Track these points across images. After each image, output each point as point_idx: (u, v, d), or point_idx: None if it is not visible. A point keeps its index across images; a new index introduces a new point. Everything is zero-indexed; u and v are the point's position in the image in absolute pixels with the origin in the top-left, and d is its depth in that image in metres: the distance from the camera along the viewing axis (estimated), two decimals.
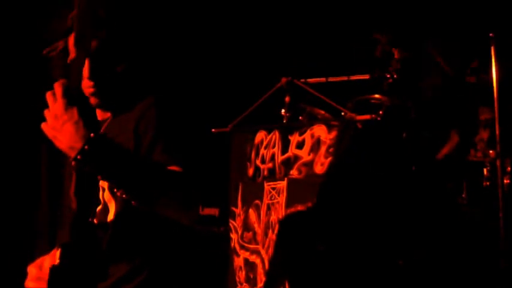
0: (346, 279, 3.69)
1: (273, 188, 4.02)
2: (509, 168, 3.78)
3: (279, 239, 3.91)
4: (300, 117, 4.14)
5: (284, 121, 4.15)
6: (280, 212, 3.95)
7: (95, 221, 2.39)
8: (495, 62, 3.59)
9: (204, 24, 4.68)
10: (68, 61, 2.46)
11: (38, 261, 2.48)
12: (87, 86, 2.42)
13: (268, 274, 3.93)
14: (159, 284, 2.37)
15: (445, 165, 3.99)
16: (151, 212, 2.29)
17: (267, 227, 4.00)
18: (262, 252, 3.98)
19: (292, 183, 3.94)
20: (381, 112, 3.86)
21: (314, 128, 3.93)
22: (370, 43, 4.16)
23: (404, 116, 3.93)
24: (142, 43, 2.52)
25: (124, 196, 2.27)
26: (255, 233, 4.05)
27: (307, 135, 3.95)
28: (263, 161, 4.11)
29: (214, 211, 4.10)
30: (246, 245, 4.09)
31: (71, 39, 2.43)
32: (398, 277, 3.69)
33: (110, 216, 2.40)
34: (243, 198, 4.15)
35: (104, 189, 2.43)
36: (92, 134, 2.17)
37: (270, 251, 3.94)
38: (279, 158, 4.04)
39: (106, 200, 2.42)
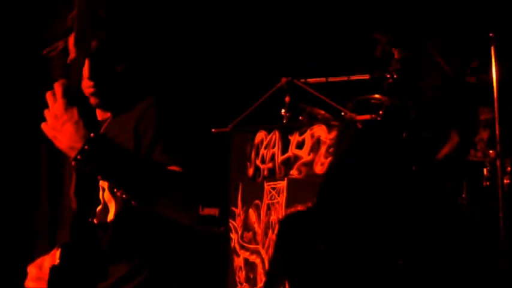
0: (346, 279, 3.69)
1: (273, 188, 4.02)
2: (509, 168, 3.78)
3: (279, 239, 3.91)
4: (300, 117, 4.14)
5: (284, 121, 4.15)
6: (280, 212, 3.95)
7: (95, 221, 2.39)
8: (495, 62, 3.59)
9: (204, 25, 4.68)
10: (68, 61, 2.46)
11: (38, 261, 2.48)
12: (87, 86, 2.42)
13: (268, 274, 3.93)
14: (159, 284, 2.37)
15: (445, 165, 3.99)
16: (151, 212, 2.29)
17: (267, 227, 4.00)
18: (262, 252, 3.98)
19: (292, 183, 3.94)
20: (380, 112, 3.86)
21: (314, 128, 3.93)
22: (370, 43, 4.16)
23: (404, 116, 3.93)
24: (142, 43, 2.52)
25: (124, 196, 2.27)
26: (255, 233, 4.05)
27: (307, 135, 3.95)
28: (263, 161, 4.11)
29: (214, 211, 4.10)
30: (246, 245, 4.09)
31: (71, 39, 2.43)
32: (398, 277, 3.69)
33: (110, 216, 2.40)
34: (243, 198, 4.15)
35: (104, 189, 2.42)
36: (92, 134, 2.17)
37: (270, 251, 3.94)
38: (279, 158, 4.04)
39: (106, 200, 2.42)
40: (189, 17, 4.61)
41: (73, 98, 2.20)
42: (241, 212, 4.13)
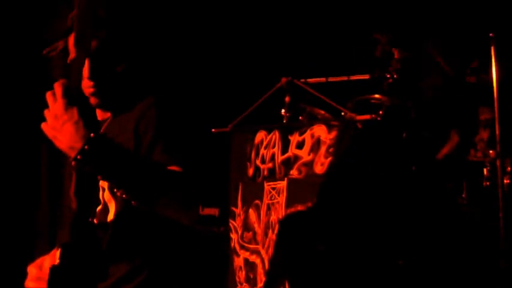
0: (346, 279, 3.69)
1: (273, 188, 4.02)
2: (509, 168, 3.78)
3: (279, 239, 3.91)
4: (300, 117, 4.14)
5: (284, 121, 4.15)
6: (280, 212, 3.95)
7: (95, 221, 2.39)
8: (495, 62, 3.59)
9: (204, 25, 4.68)
10: (68, 61, 2.46)
11: (38, 261, 2.48)
12: (87, 86, 2.42)
13: (268, 274, 3.93)
14: (159, 284, 2.37)
15: (445, 165, 3.99)
16: (151, 212, 2.29)
17: (267, 227, 3.99)
18: (262, 252, 3.98)
19: (292, 183, 3.94)
20: (380, 112, 3.86)
21: (314, 128, 3.93)
22: (370, 43, 4.16)
23: (404, 116, 3.93)
24: (142, 43, 2.52)
25: (124, 196, 2.27)
26: (255, 233, 4.05)
27: (307, 135, 3.95)
28: (263, 161, 4.11)
29: (214, 211, 4.10)
30: (246, 245, 4.09)
31: (71, 39, 2.43)
32: (398, 277, 3.69)
33: (110, 216, 2.40)
34: (243, 198, 4.15)
35: (104, 189, 2.42)
36: (92, 134, 2.17)
37: (270, 251, 3.94)
38: (279, 158, 4.03)
39: (106, 200, 2.42)
40: (189, 17, 4.61)
41: (73, 98, 2.20)
42: (241, 212, 4.13)
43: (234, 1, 4.72)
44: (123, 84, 2.47)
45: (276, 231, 3.94)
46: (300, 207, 3.86)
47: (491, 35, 3.59)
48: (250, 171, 4.16)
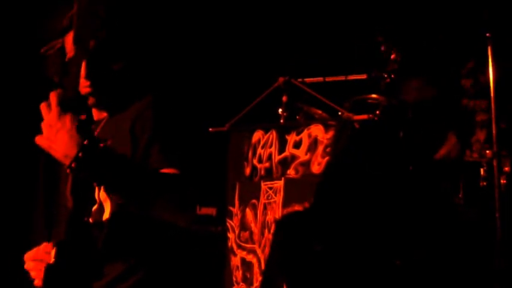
0: (343, 279, 3.69)
1: (270, 188, 4.02)
2: (506, 169, 3.78)
3: (276, 239, 3.91)
4: (297, 117, 4.13)
5: (281, 121, 4.14)
6: (277, 211, 3.95)
7: (91, 220, 2.39)
8: (492, 62, 3.59)
9: (202, 24, 4.68)
10: (66, 60, 2.46)
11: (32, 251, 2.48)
12: (83, 85, 2.42)
13: (263, 274, 3.93)
14: (154, 284, 2.37)
15: (441, 166, 3.99)
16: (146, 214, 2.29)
17: (264, 226, 3.99)
18: (258, 251, 3.98)
19: (289, 183, 3.94)
20: (378, 112, 3.86)
21: (311, 128, 3.93)
22: (368, 43, 4.16)
23: (401, 116, 3.93)
24: (140, 42, 2.52)
25: (120, 201, 2.27)
26: (251, 233, 4.05)
27: (304, 135, 3.94)
28: (260, 161, 4.11)
29: (211, 211, 4.11)
30: (242, 244, 4.09)
31: (69, 38, 2.43)
32: (395, 277, 3.69)
33: (106, 216, 2.40)
34: (240, 197, 4.15)
35: (99, 189, 2.42)
36: (85, 142, 2.16)
37: (266, 250, 3.94)
38: (276, 157, 4.03)
39: (102, 199, 2.42)
40: (186, 16, 4.61)
41: (67, 105, 2.19)
42: (238, 212, 4.13)
43: (231, 1, 4.72)
44: (120, 84, 2.47)
45: (272, 231, 3.94)
46: (296, 207, 3.86)
47: (488, 35, 3.59)
48: (247, 171, 4.16)
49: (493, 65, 3.58)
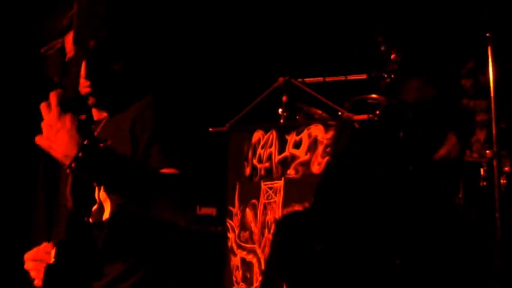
0: (343, 279, 3.69)
1: (270, 188, 4.02)
2: (506, 169, 3.78)
3: (275, 239, 3.91)
4: (297, 117, 4.14)
5: (281, 120, 4.15)
6: (276, 211, 3.95)
7: (91, 220, 2.39)
8: (492, 62, 3.59)
9: (202, 24, 4.68)
10: (66, 60, 2.46)
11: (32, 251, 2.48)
12: (83, 85, 2.42)
13: (263, 274, 3.93)
14: (154, 284, 2.37)
15: (441, 166, 3.99)
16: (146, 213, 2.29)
17: (264, 226, 3.99)
18: (258, 251, 3.98)
19: (289, 183, 3.94)
20: (378, 112, 3.86)
21: (311, 128, 3.93)
22: (368, 43, 4.16)
23: (401, 116, 3.93)
24: (139, 42, 2.52)
25: (120, 201, 2.27)
26: (251, 233, 4.05)
27: (304, 135, 3.95)
28: (260, 161, 4.11)
29: (211, 210, 4.10)
30: (242, 244, 4.09)
31: (68, 38, 2.43)
32: (395, 277, 3.69)
33: (106, 215, 2.40)
34: (240, 197, 4.15)
35: (99, 189, 2.42)
36: (85, 142, 2.16)
37: (266, 250, 3.94)
38: (276, 157, 4.03)
39: (102, 199, 2.41)
40: (186, 16, 4.61)
41: (67, 105, 2.19)
42: (238, 212, 4.13)
43: (231, 1, 4.72)
44: (119, 84, 2.47)
45: (272, 231, 3.94)
46: (296, 207, 3.86)
47: (488, 35, 3.59)
48: (247, 171, 4.16)
49: (493, 65, 3.58)
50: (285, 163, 3.99)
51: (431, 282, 3.68)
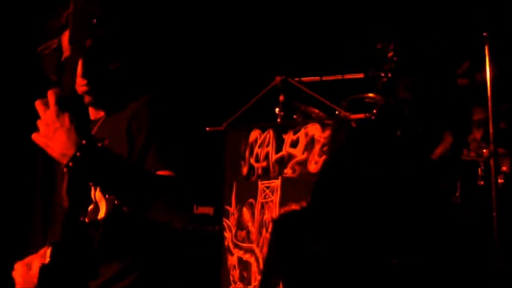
0: (340, 278, 3.69)
1: (267, 187, 4.02)
2: (504, 168, 3.79)
3: (273, 238, 3.91)
4: (294, 116, 4.14)
5: (278, 120, 4.15)
6: (274, 210, 3.95)
7: (87, 219, 2.39)
8: (489, 61, 3.59)
9: (199, 23, 4.68)
10: (62, 59, 2.45)
11: (27, 259, 2.48)
12: (80, 84, 2.41)
13: (262, 273, 3.93)
14: (151, 284, 2.37)
15: (439, 164, 3.99)
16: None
17: (261, 225, 4.00)
18: (257, 251, 3.98)
19: (286, 182, 3.94)
20: (375, 111, 3.86)
21: (308, 127, 3.94)
22: (365, 42, 4.16)
23: (398, 115, 3.94)
24: (136, 42, 2.52)
25: (116, 202, 2.27)
26: (248, 232, 4.05)
27: (301, 134, 3.95)
28: (257, 160, 4.11)
29: (208, 210, 4.10)
30: (239, 243, 4.09)
31: (65, 37, 2.42)
32: (392, 276, 3.69)
33: (101, 215, 2.40)
34: (237, 196, 4.15)
35: (95, 188, 2.42)
36: (83, 141, 2.16)
37: (265, 249, 3.94)
38: (273, 156, 4.04)
39: (97, 199, 2.41)
40: (183, 16, 4.61)
41: (65, 104, 2.18)
42: (235, 211, 4.13)
43: (228, 1, 4.72)
44: (116, 83, 2.46)
45: (270, 230, 3.94)
46: (294, 206, 3.87)
47: (485, 34, 3.59)
48: (245, 170, 4.16)
49: (490, 64, 3.59)
50: (282, 162, 3.99)
51: (429, 282, 3.68)
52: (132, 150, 2.36)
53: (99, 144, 2.25)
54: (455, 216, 3.84)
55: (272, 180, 4.01)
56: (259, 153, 4.11)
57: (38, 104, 2.18)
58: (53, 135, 2.16)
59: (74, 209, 2.30)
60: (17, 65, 4.26)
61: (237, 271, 4.07)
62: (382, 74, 4.02)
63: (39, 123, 2.19)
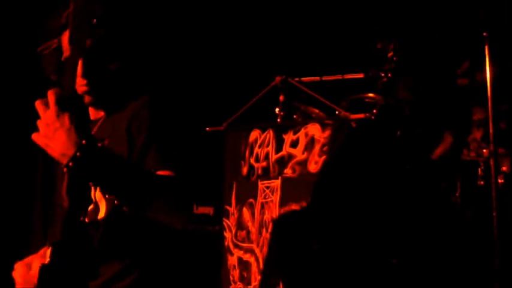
0: (340, 278, 3.69)
1: (267, 187, 4.02)
2: (504, 168, 3.79)
3: (273, 238, 3.91)
4: (294, 116, 4.14)
5: (278, 120, 4.15)
6: (274, 210, 3.95)
7: (86, 219, 2.39)
8: (489, 61, 3.59)
9: (199, 23, 4.68)
10: (62, 59, 2.45)
11: (27, 259, 2.48)
12: (80, 84, 2.42)
13: (262, 273, 3.94)
14: (151, 284, 2.37)
15: (439, 164, 3.99)
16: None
17: (261, 225, 4.00)
18: (257, 251, 3.98)
19: (286, 182, 3.94)
20: (375, 111, 3.86)
21: (308, 127, 3.94)
22: (365, 42, 4.16)
23: (398, 115, 3.94)
24: (136, 42, 2.52)
25: (116, 202, 2.27)
26: (248, 232, 4.05)
27: (301, 134, 3.95)
28: (257, 160, 4.11)
29: (209, 210, 4.10)
30: (239, 243, 4.09)
31: (65, 37, 2.42)
32: (392, 276, 3.69)
33: (101, 215, 2.40)
34: (237, 196, 4.15)
35: (95, 188, 2.42)
36: (83, 141, 2.16)
37: (265, 249, 3.94)
38: (273, 156, 4.04)
39: (97, 199, 2.41)
40: (183, 16, 4.61)
41: (65, 104, 2.18)
42: (235, 211, 4.13)
43: (228, 1, 4.72)
44: (116, 83, 2.46)
45: (270, 230, 3.94)
46: (294, 206, 3.87)
47: (485, 34, 3.59)
48: (245, 170, 4.16)
49: (490, 64, 3.59)
50: (282, 162, 3.99)
51: (429, 281, 3.68)
52: (132, 150, 2.36)
53: (99, 144, 2.25)
54: (455, 216, 3.84)
55: (272, 180, 4.02)
56: (259, 153, 4.11)
57: (38, 104, 2.18)
58: (53, 135, 2.16)
59: (74, 209, 2.30)
60: (17, 65, 4.26)
61: (237, 271, 4.07)
62: (382, 74, 4.02)
63: (39, 123, 2.19)
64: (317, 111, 4.06)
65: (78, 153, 2.14)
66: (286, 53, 4.67)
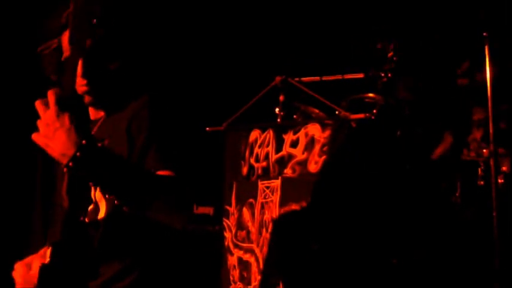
0: (340, 278, 3.69)
1: (267, 187, 4.02)
2: (504, 168, 3.79)
3: (273, 238, 3.91)
4: (294, 116, 4.14)
5: (278, 120, 4.15)
6: (274, 210, 3.95)
7: (86, 219, 2.39)
8: (489, 61, 3.59)
9: (199, 23, 4.68)
10: (62, 59, 2.45)
11: (27, 259, 2.48)
12: (80, 84, 2.42)
13: (262, 273, 3.94)
14: (151, 284, 2.37)
15: (439, 164, 3.99)
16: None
17: (261, 225, 4.00)
18: (257, 251, 3.98)
19: (286, 182, 3.95)
20: (375, 111, 3.86)
21: (308, 127, 3.94)
22: (365, 42, 4.16)
23: (398, 115, 3.94)
24: (136, 42, 2.52)
25: (116, 202, 2.27)
26: (248, 232, 4.05)
27: (301, 134, 3.95)
28: (257, 160, 4.11)
29: (209, 210, 4.10)
30: (239, 243, 4.09)
31: (65, 37, 2.43)
32: (392, 276, 3.70)
33: (101, 215, 2.40)
34: (237, 196, 4.15)
35: (95, 188, 2.42)
36: (83, 141, 2.16)
37: (265, 249, 3.94)
38: (273, 156, 4.04)
39: (97, 199, 2.41)
40: (183, 16, 4.61)
41: (65, 104, 2.18)
42: (235, 211, 4.13)
43: (228, 1, 4.72)
44: (116, 83, 2.46)
45: (270, 230, 3.94)
46: (294, 206, 3.87)
47: (485, 34, 3.59)
48: (245, 170, 4.16)
49: (490, 64, 3.59)
50: (282, 162, 3.99)
51: (429, 281, 3.68)
52: (132, 150, 2.36)
53: (99, 144, 2.25)
54: (455, 216, 3.85)
55: (272, 180, 4.02)
56: (259, 153, 4.11)
57: (38, 104, 2.18)
58: (53, 135, 2.16)
59: (74, 209, 2.30)
60: (17, 65, 4.26)
61: (237, 271, 4.07)
62: (382, 74, 4.02)
63: (39, 123, 2.19)
64: (317, 111, 4.06)
65: (78, 153, 2.14)
66: (286, 53, 4.67)
